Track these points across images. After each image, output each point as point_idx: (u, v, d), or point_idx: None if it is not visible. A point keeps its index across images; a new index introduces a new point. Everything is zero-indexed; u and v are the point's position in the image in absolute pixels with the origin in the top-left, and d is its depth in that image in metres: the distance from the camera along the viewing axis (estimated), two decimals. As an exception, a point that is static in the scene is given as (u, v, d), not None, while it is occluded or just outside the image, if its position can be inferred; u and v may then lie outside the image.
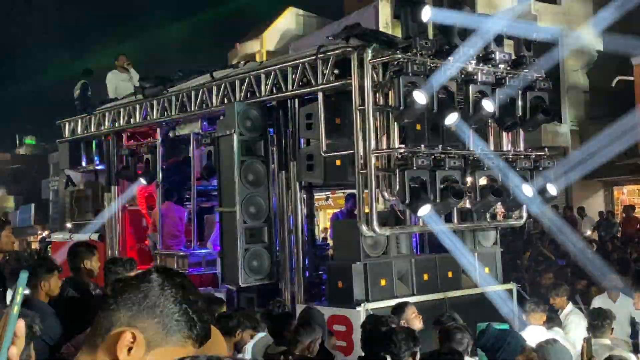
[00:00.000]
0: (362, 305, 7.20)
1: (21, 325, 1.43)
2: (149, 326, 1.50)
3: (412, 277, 7.84)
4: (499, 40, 8.15)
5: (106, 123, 11.54)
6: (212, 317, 5.05)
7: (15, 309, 1.43)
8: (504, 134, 8.46)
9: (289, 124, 8.33)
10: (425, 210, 7.10)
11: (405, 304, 6.26)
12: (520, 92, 8.30)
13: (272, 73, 8.47)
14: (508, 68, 8.17)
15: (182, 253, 10.11)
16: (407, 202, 7.15)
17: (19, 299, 1.45)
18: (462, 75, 7.73)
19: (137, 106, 10.82)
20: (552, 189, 8.23)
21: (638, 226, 17.15)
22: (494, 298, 8.00)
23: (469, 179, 7.90)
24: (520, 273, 11.35)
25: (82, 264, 5.76)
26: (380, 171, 7.38)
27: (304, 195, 8.49)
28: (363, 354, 5.36)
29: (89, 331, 1.58)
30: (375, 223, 7.27)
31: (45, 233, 30.64)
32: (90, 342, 1.55)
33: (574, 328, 7.17)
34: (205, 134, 9.87)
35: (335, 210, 13.58)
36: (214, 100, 9.26)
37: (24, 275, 1.48)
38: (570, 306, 7.71)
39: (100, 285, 5.93)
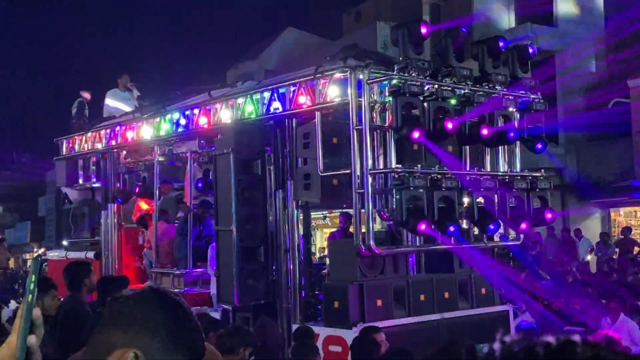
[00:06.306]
0: (358, 325, 7.15)
1: (38, 312, 1.42)
2: (149, 346, 1.48)
3: (409, 298, 7.81)
4: (495, 61, 8.20)
5: (103, 141, 11.55)
6: (206, 336, 5.01)
7: (30, 297, 1.41)
8: (501, 154, 8.47)
9: (286, 143, 8.34)
10: (422, 230, 7.08)
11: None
12: (516, 113, 8.34)
13: (270, 92, 8.50)
14: (505, 89, 8.21)
15: (177, 272, 10.07)
16: (404, 221, 7.14)
17: (32, 286, 1.43)
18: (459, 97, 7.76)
19: (135, 124, 10.84)
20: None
21: (635, 248, 17.13)
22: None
23: (465, 199, 7.90)
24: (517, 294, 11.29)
25: (82, 282, 5.76)
26: (377, 191, 7.38)
27: (301, 215, 8.48)
28: None
29: (85, 351, 1.55)
30: (372, 243, 7.26)
31: (41, 250, 30.51)
32: None
33: None
34: (203, 153, 9.86)
35: (333, 230, 13.55)
36: (212, 119, 9.28)
37: (35, 263, 1.48)
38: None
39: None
